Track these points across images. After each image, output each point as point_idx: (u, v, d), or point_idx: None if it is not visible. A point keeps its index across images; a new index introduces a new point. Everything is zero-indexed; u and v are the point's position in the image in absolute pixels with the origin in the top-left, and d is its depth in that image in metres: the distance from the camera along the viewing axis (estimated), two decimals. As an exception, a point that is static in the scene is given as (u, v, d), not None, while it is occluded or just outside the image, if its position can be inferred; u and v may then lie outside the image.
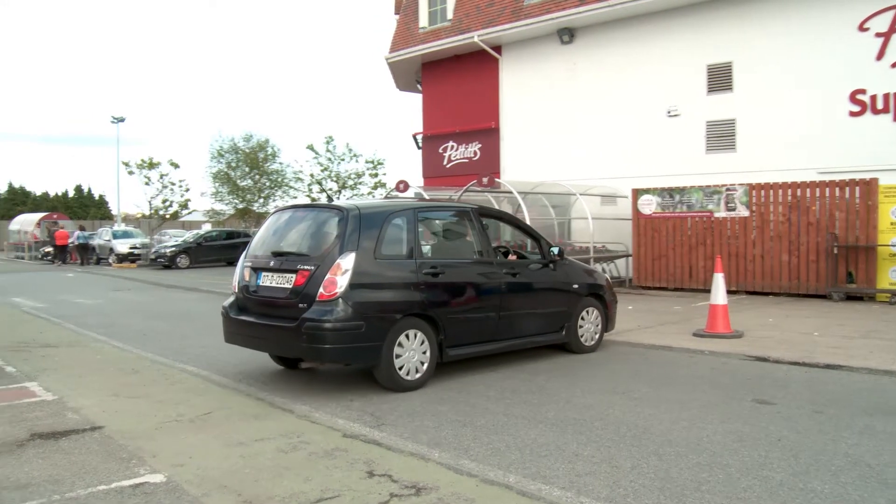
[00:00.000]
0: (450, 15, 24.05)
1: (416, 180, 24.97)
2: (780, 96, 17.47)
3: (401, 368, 7.30)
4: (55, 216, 49.59)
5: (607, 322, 10.00)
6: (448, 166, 25.11)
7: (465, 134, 24.56)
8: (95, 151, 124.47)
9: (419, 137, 26.59)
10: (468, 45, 23.31)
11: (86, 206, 72.44)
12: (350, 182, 41.30)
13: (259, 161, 43.25)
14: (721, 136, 18.53)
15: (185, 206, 42.07)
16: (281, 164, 44.28)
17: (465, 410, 6.64)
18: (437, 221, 8.87)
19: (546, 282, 9.17)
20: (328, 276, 7.04)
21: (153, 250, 32.92)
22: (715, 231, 16.42)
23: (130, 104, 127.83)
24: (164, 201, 40.91)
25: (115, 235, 36.64)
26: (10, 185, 72.01)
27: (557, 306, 9.23)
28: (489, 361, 8.72)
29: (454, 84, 24.84)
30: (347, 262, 7.07)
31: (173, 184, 41.05)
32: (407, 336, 7.36)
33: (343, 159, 41.29)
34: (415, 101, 28.43)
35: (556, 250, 9.26)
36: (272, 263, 7.64)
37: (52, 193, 74.18)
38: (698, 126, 18.87)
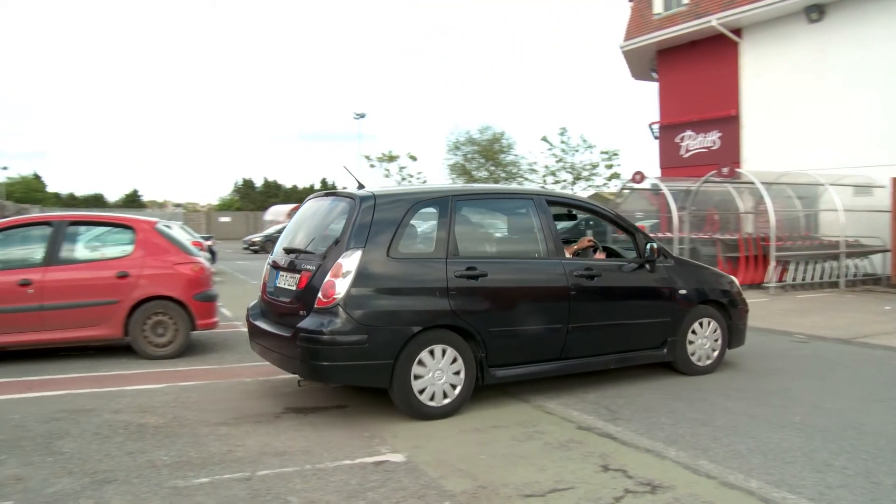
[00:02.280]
0: (686, -1, 23.22)
1: (653, 171, 24.40)
2: None
3: (422, 392, 6.07)
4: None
5: (731, 336, 8.06)
6: (685, 156, 24.29)
7: (702, 123, 23.63)
8: (339, 146, 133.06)
9: (655, 127, 25.94)
10: (705, 29, 22.37)
11: (331, 199, 77.05)
12: (584, 173, 41.02)
13: (494, 153, 44.04)
14: None
15: (417, 196, 43.70)
16: (516, 155, 44.89)
17: (703, 409, 6.40)
18: (486, 212, 7.48)
19: (639, 286, 7.41)
20: (328, 278, 5.94)
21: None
22: None
23: (370, 100, 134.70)
24: (401, 193, 42.72)
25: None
26: (266, 180, 78.22)
27: (655, 316, 7.45)
28: (727, 358, 8.30)
29: (691, 71, 23.95)
30: (350, 261, 5.92)
31: (411, 176, 42.85)
32: (431, 353, 6.10)
33: (577, 150, 41.12)
34: (650, 89, 27.78)
35: (652, 246, 7.40)
36: (283, 262, 6.74)
37: (300, 186, 79.69)
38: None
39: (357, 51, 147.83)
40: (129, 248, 8.92)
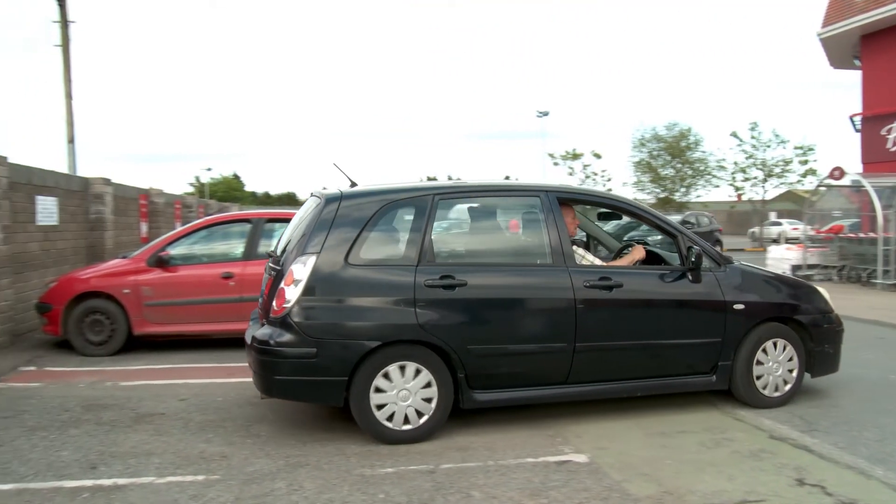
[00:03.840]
0: (898, -24, 21.48)
1: (854, 166, 22.80)
2: None
3: (386, 413, 5.45)
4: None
5: (814, 361, 6.58)
6: (893, 150, 22.52)
7: (914, 112, 21.80)
8: (522, 145, 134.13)
9: (857, 119, 24.21)
10: (922, 7, 20.58)
11: (513, 196, 77.73)
12: (777, 170, 38.90)
13: (681, 149, 42.79)
14: None
15: (607, 195, 43.27)
16: (703, 152, 43.37)
17: (913, 425, 5.89)
18: (479, 212, 6.53)
19: (676, 299, 6.19)
20: (280, 285, 5.52)
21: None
22: None
23: (555, 98, 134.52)
24: (589, 190, 42.47)
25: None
26: (449, 178, 79.78)
27: (699, 335, 6.20)
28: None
29: (901, 56, 22.13)
30: (303, 268, 5.43)
31: (595, 174, 42.40)
32: (397, 370, 5.47)
33: (769, 146, 39.04)
34: (851, 78, 25.97)
35: (695, 250, 6.16)
36: (269, 265, 6.30)
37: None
38: None
39: (542, 49, 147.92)
40: (321, 244, 9.32)
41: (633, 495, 4.44)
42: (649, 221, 6.57)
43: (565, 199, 6.32)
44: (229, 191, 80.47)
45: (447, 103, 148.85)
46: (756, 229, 39.98)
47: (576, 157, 43.05)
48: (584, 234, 7.76)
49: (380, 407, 5.44)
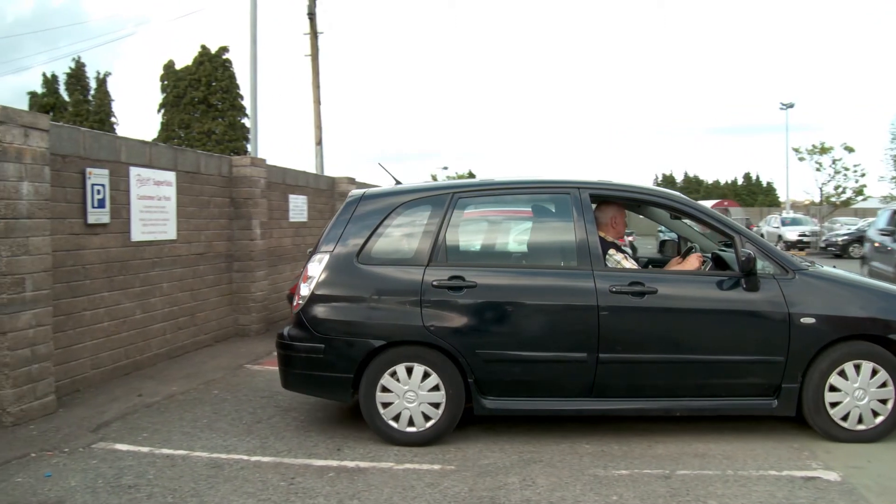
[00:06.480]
0: None
1: None
2: None
3: (392, 414, 5.36)
4: (726, 203, 51.61)
5: None
6: None
7: None
8: (763, 139, 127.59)
9: None
10: None
11: (753, 194, 74.11)
12: None
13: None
14: None
15: (860, 192, 39.95)
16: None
17: None
18: (500, 210, 6.31)
19: (725, 308, 5.40)
20: (299, 282, 5.71)
21: (823, 238, 32.00)
22: None
23: (801, 90, 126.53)
24: (836, 188, 39.48)
25: (784, 223, 36.52)
26: (686, 175, 77.28)
27: (754, 352, 5.36)
28: None
29: None
30: (317, 266, 5.54)
31: (846, 169, 39.31)
32: (406, 371, 5.35)
33: None
34: None
35: (748, 254, 5.26)
36: None
37: (722, 181, 77.42)
38: None
39: (788, 35, 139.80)
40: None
41: (894, 522, 4.05)
42: (703, 221, 5.91)
43: (604, 197, 6.01)
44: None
45: (689, 97, 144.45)
46: None
47: (824, 151, 40.04)
48: (674, 234, 7.29)
49: (386, 406, 5.39)
